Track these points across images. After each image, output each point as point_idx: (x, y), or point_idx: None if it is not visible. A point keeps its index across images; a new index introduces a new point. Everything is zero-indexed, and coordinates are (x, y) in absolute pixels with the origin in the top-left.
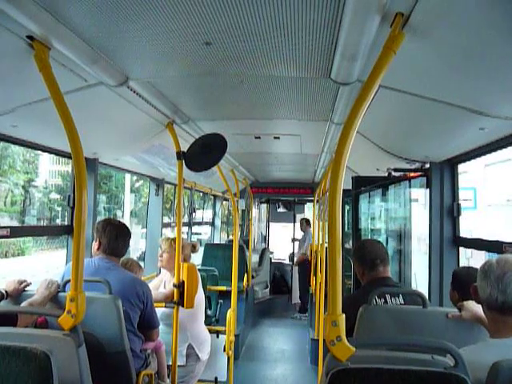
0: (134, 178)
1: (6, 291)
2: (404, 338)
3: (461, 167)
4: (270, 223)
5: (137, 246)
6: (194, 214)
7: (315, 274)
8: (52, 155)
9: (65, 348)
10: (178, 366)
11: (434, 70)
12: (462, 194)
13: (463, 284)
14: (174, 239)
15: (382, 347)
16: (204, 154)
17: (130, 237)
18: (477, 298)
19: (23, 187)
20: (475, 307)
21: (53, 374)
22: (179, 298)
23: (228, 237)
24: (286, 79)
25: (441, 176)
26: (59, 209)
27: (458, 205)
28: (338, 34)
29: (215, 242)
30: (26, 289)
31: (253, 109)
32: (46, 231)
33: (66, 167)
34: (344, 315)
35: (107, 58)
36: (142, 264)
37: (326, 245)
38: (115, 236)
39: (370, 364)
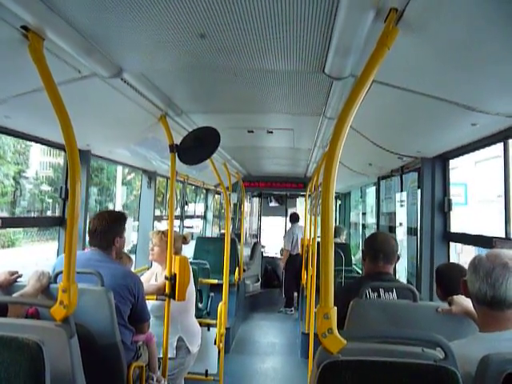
0: (126, 170)
1: None
2: (395, 331)
3: (452, 163)
4: (262, 217)
5: (128, 238)
6: (186, 207)
7: (306, 268)
8: (43, 146)
9: (57, 339)
10: (169, 358)
11: (427, 66)
12: (452, 190)
13: (445, 280)
14: (164, 232)
15: (372, 340)
16: (197, 147)
17: (118, 224)
18: (466, 293)
19: (14, 178)
20: (465, 301)
21: (45, 365)
22: (171, 290)
23: (220, 230)
24: (280, 73)
25: (432, 171)
26: (50, 200)
27: (449, 200)
28: (333, 29)
29: (207, 235)
30: (18, 280)
31: (246, 102)
32: (37, 222)
33: (58, 159)
34: (336, 308)
35: (101, 49)
36: (133, 257)
37: (317, 239)
38: (107, 228)
39: (361, 356)
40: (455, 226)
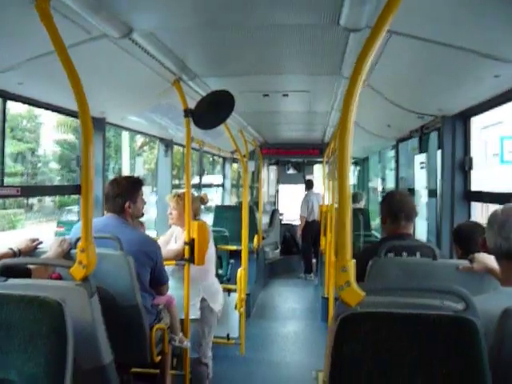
0: (137, 143)
1: (19, 249)
2: (413, 284)
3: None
4: (280, 185)
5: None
6: (203, 176)
7: (325, 234)
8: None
9: (77, 298)
10: (193, 319)
11: (445, 12)
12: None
13: (464, 238)
14: (179, 195)
15: (391, 293)
16: (211, 111)
17: (132, 189)
18: (486, 250)
19: (24, 157)
20: (487, 259)
21: (66, 322)
22: (190, 255)
23: (238, 199)
24: (293, 28)
25: (453, 130)
26: (59, 177)
27: (470, 159)
28: None
29: (226, 204)
30: (39, 247)
31: (260, 63)
32: (57, 191)
33: (67, 135)
34: (354, 260)
35: (110, 6)
36: (152, 225)
37: (335, 205)
38: (118, 193)
39: (380, 309)
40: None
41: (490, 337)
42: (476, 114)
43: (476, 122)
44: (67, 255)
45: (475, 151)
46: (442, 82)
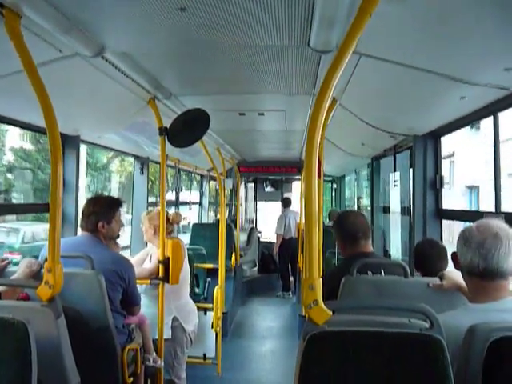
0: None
1: None
2: (380, 302)
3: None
4: (258, 202)
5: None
6: (180, 193)
7: (303, 252)
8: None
9: (43, 319)
10: (165, 339)
11: (412, 36)
12: None
13: (420, 256)
14: (150, 213)
15: (358, 312)
16: (187, 129)
17: (109, 208)
18: (457, 265)
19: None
20: (456, 276)
21: (31, 344)
22: (164, 273)
23: (216, 216)
24: (267, 48)
25: (424, 149)
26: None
27: (441, 177)
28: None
29: (203, 222)
30: (8, 267)
31: (235, 83)
32: (28, 209)
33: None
34: (321, 279)
35: (81, 26)
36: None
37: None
38: (87, 210)
39: (347, 327)
40: None
41: (458, 353)
42: (446, 133)
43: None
44: (37, 276)
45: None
46: (411, 103)
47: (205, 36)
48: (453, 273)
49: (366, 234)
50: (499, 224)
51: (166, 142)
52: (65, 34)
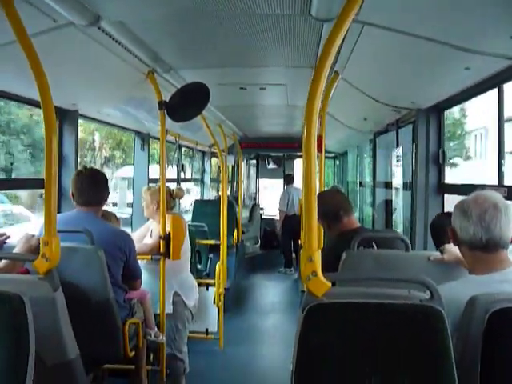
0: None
1: None
2: (379, 274)
3: None
4: (260, 180)
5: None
6: (182, 172)
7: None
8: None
9: (41, 292)
10: (166, 314)
11: (415, 3)
12: None
13: (437, 230)
14: (151, 188)
15: (358, 284)
16: (186, 103)
17: (107, 183)
18: (455, 240)
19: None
20: (457, 249)
21: (27, 317)
22: (165, 249)
23: (218, 193)
24: (268, 18)
25: (427, 123)
26: None
27: (444, 152)
28: None
29: (205, 198)
30: (6, 242)
31: (235, 55)
32: (24, 184)
33: None
34: (319, 251)
35: None
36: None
37: None
38: (87, 185)
39: (346, 299)
40: None
41: (458, 324)
42: (449, 107)
43: None
44: (36, 251)
45: None
46: (415, 74)
47: (204, 5)
48: (454, 246)
49: (347, 210)
50: (495, 195)
51: (166, 116)
52: (59, 2)
